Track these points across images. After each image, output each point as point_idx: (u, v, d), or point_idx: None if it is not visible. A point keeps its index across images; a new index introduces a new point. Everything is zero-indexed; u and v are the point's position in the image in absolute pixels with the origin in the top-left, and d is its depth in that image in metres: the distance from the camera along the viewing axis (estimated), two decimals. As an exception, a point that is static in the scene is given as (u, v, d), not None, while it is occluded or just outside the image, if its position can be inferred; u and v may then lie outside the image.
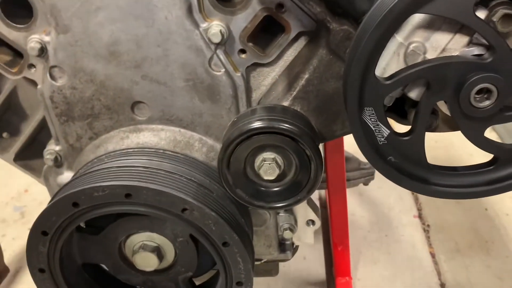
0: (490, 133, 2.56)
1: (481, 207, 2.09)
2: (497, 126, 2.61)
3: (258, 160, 0.86)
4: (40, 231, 0.90)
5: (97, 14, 0.90)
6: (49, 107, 1.01)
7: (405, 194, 2.19)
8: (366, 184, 1.83)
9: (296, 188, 0.89)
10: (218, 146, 1.00)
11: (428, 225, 2.04)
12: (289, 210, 1.13)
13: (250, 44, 0.95)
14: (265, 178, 0.86)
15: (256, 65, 0.97)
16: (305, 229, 1.18)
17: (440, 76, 0.73)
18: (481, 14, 0.72)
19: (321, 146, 1.54)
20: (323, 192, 2.15)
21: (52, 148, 1.07)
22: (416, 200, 2.17)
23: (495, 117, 0.75)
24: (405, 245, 1.94)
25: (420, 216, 2.09)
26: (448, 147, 2.36)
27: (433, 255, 1.89)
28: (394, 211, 2.12)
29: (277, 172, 0.85)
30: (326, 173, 1.57)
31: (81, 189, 0.86)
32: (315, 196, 2.14)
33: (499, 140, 2.42)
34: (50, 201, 0.93)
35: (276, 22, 0.93)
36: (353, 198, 2.17)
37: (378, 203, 2.16)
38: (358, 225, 2.06)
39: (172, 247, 1.00)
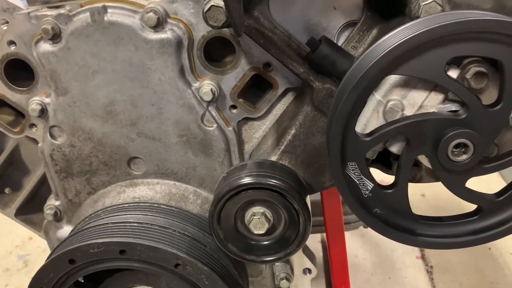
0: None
1: (484, 246, 2.07)
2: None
3: (248, 215, 0.88)
4: (38, 287, 0.92)
5: (94, 77, 0.95)
6: (49, 164, 1.05)
7: (407, 235, 2.17)
8: (366, 226, 1.83)
9: (286, 242, 0.90)
10: (212, 197, 1.02)
11: (432, 266, 2.02)
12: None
13: (241, 100, 0.99)
14: (255, 232, 0.88)
15: (247, 119, 1.01)
16: (302, 277, 1.18)
17: (418, 132, 0.76)
18: (454, 73, 0.76)
19: (317, 192, 1.56)
20: (325, 235, 2.15)
21: (52, 203, 1.11)
22: (419, 240, 2.16)
23: (474, 169, 0.78)
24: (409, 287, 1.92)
25: (423, 257, 2.07)
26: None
27: (437, 298, 1.87)
28: (397, 252, 2.11)
29: (266, 226, 0.87)
30: (324, 217, 1.58)
31: (77, 246, 0.88)
32: (316, 239, 2.14)
33: (500, 178, 2.43)
34: (47, 258, 0.95)
35: (265, 79, 0.97)
36: (355, 240, 2.17)
37: (381, 245, 2.15)
38: (361, 268, 2.04)
39: (168, 301, 1.01)
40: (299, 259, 1.16)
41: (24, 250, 2.32)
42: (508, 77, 0.71)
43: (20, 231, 2.40)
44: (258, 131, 1.03)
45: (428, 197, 2.37)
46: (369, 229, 1.88)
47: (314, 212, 1.55)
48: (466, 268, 1.99)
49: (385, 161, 0.91)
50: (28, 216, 1.20)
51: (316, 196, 1.57)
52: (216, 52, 0.98)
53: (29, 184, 1.16)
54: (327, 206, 1.55)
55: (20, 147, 1.13)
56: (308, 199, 0.91)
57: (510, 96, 0.72)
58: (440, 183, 0.82)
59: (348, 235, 1.63)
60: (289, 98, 0.99)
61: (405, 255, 2.09)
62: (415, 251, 2.11)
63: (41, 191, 1.18)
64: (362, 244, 2.16)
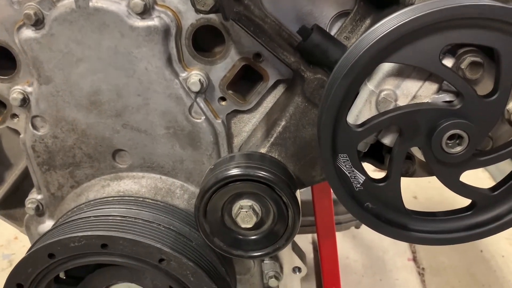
0: (482, 173, 2.55)
1: (476, 248, 2.06)
2: (489, 166, 2.60)
3: (235, 208, 0.85)
4: (15, 283, 0.89)
5: (78, 66, 0.92)
6: (31, 156, 1.02)
7: (399, 236, 2.16)
8: (357, 227, 1.81)
9: (274, 236, 0.88)
10: (200, 192, 0.99)
11: (423, 268, 2.00)
12: (274, 257, 1.11)
13: (230, 91, 0.96)
14: (243, 226, 0.85)
15: (236, 112, 0.99)
16: (292, 276, 1.15)
17: (411, 122, 0.73)
18: (449, 62, 0.74)
19: (308, 190, 1.54)
20: (316, 235, 2.12)
21: (34, 197, 1.07)
22: (411, 242, 2.14)
23: (469, 162, 0.75)
24: (400, 290, 1.90)
25: (414, 259, 2.05)
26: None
27: (429, 300, 1.85)
28: (389, 254, 2.09)
29: (254, 219, 0.84)
30: (315, 217, 1.55)
31: (57, 240, 0.85)
32: (307, 239, 2.12)
33: (491, 180, 2.42)
34: (27, 252, 0.92)
35: (255, 70, 0.95)
36: (346, 241, 2.14)
37: (372, 246, 2.13)
38: (352, 269, 2.02)
39: (152, 298, 0.97)
40: (288, 257, 1.13)
41: (9, 249, 2.28)
42: (505, 66, 0.69)
43: (5, 230, 2.36)
44: (248, 124, 1.00)
45: (420, 199, 2.35)
46: (360, 230, 1.87)
47: (305, 212, 1.53)
48: (457, 270, 1.97)
49: (377, 155, 0.89)
50: (9, 211, 1.16)
51: (307, 195, 1.55)
52: (205, 42, 0.95)
53: (10, 177, 1.12)
54: (318, 206, 1.52)
55: (1, 139, 1.10)
56: (298, 194, 0.88)
57: (506, 86, 0.70)
58: (432, 185, 0.79)
59: (339, 236, 1.60)
60: (280, 90, 0.97)
61: (397, 256, 2.07)
62: (406, 253, 2.09)
63: (24, 185, 1.14)
64: (353, 246, 2.14)
